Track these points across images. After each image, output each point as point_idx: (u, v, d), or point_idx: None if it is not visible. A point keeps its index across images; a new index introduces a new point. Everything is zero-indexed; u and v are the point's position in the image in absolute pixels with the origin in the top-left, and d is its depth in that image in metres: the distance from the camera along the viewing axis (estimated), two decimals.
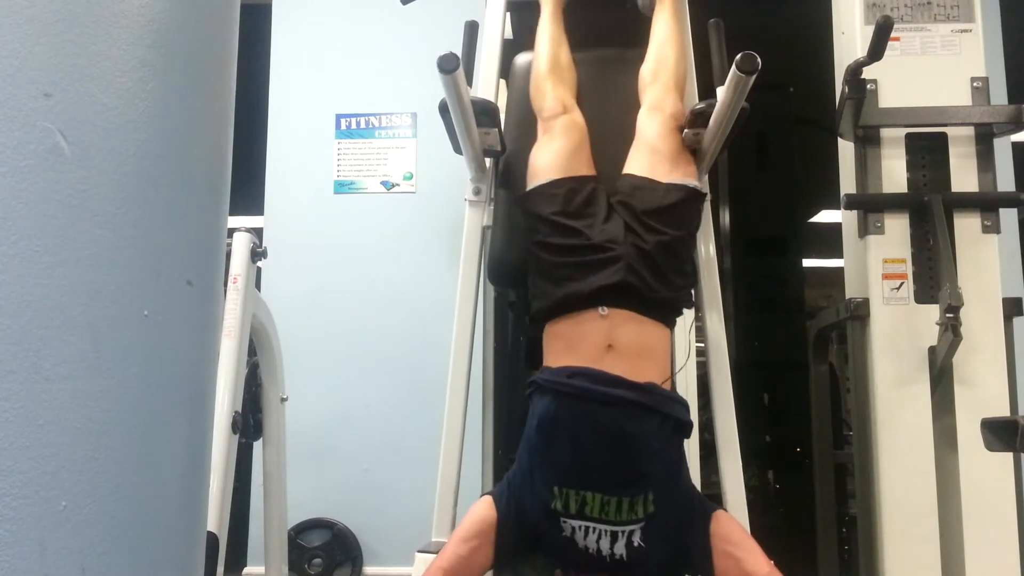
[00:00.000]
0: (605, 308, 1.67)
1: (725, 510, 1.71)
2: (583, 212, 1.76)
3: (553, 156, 1.86)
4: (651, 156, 1.85)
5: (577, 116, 1.94)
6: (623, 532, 1.56)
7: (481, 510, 1.64)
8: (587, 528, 1.56)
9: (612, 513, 1.56)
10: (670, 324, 1.77)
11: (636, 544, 1.56)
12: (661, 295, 1.70)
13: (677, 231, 1.75)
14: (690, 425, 1.70)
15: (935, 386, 2.15)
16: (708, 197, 1.95)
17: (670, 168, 1.82)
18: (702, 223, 2.06)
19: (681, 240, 1.77)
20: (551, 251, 1.76)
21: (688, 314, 2.87)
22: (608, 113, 1.99)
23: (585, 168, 1.86)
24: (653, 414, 1.60)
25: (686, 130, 1.90)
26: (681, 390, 3.08)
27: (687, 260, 1.80)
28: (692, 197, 1.81)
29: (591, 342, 1.66)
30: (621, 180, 1.83)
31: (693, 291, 1.93)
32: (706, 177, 2.06)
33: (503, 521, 1.61)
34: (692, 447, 3.01)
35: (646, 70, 1.99)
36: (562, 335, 1.71)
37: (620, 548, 1.55)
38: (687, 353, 2.23)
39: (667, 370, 1.71)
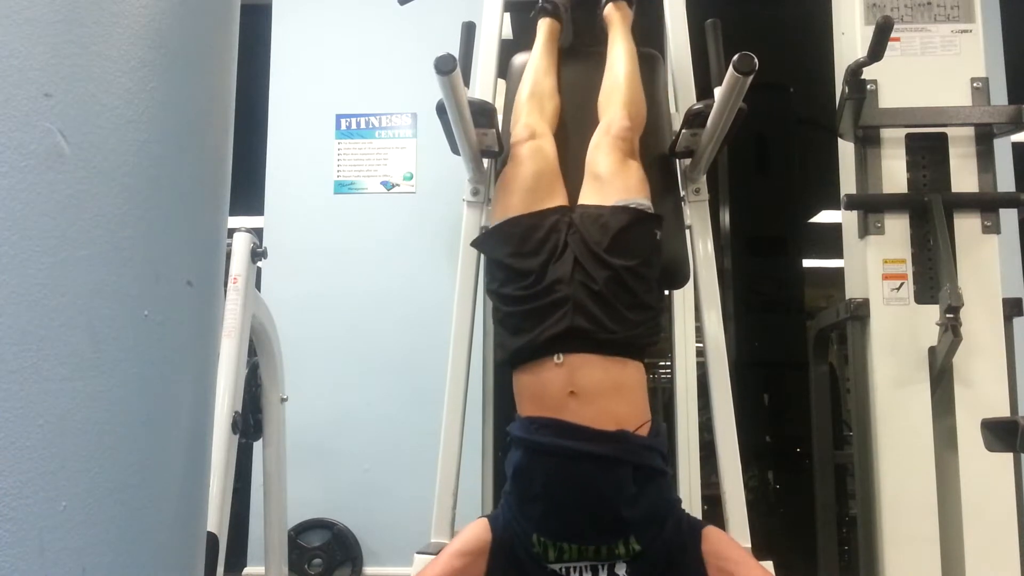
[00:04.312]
0: (560, 356, 1.59)
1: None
2: (539, 249, 1.68)
3: (516, 189, 1.79)
4: (595, 183, 1.80)
5: (545, 142, 1.87)
6: (603, 565, 1.54)
7: (477, 530, 1.62)
8: (568, 568, 1.55)
9: (591, 555, 1.54)
10: (638, 358, 1.67)
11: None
12: (616, 336, 1.61)
13: (628, 261, 1.65)
14: (665, 472, 1.63)
15: (935, 386, 2.15)
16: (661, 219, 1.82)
17: (613, 190, 1.75)
18: (704, 223, 2.06)
19: (633, 271, 1.66)
20: (504, 301, 1.70)
21: (688, 315, 2.85)
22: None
23: (548, 199, 1.78)
24: (623, 465, 1.54)
25: (684, 130, 1.90)
26: (681, 390, 3.09)
27: (645, 291, 1.69)
28: (639, 219, 1.72)
29: (552, 391, 1.59)
30: (575, 212, 1.76)
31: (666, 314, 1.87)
32: (704, 177, 2.07)
33: (498, 544, 1.59)
34: (692, 447, 3.01)
35: (602, 96, 1.96)
36: (525, 385, 1.65)
37: None
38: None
39: (642, 409, 1.63)
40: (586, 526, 1.54)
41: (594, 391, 1.58)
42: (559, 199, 1.80)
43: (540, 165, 1.82)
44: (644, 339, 1.68)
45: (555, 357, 1.60)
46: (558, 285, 1.63)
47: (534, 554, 1.57)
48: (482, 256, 2.03)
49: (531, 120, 1.91)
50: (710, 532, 1.59)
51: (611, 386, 1.60)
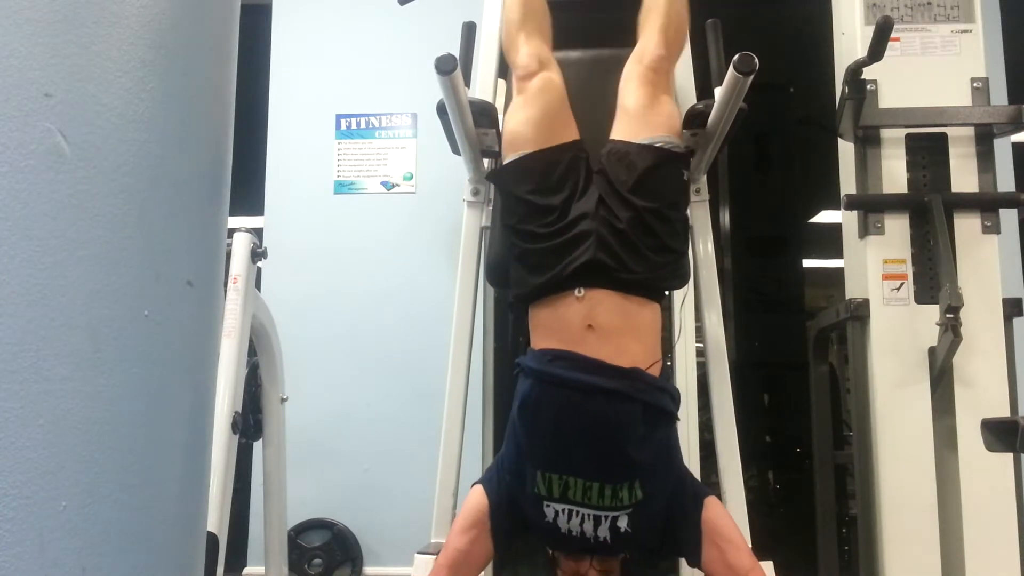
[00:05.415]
0: (581, 290, 1.58)
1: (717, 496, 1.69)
2: (561, 186, 1.65)
3: (529, 125, 1.73)
4: (624, 117, 1.75)
5: (553, 72, 1.79)
6: (606, 517, 1.54)
7: (473, 500, 1.63)
8: (570, 511, 1.55)
9: (595, 498, 1.53)
10: (657, 299, 1.65)
11: (622, 529, 1.54)
12: (637, 275, 1.59)
13: (652, 203, 1.62)
14: (674, 415, 1.64)
15: (935, 386, 2.14)
16: (690, 158, 1.80)
17: (642, 126, 1.70)
18: (704, 223, 2.05)
19: (657, 213, 1.62)
20: (525, 238, 1.68)
21: (689, 313, 2.84)
22: (605, 116, 1.97)
23: (563, 134, 1.73)
24: (634, 402, 1.54)
25: (684, 130, 1.90)
26: (682, 390, 3.08)
27: (669, 234, 1.65)
28: (666, 160, 1.66)
29: (571, 324, 1.58)
30: (605, 147, 1.72)
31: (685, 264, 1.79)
32: (704, 177, 2.07)
33: (495, 505, 1.60)
34: (692, 447, 3.01)
35: (642, 12, 1.86)
36: (542, 318, 1.65)
37: (604, 531, 1.54)
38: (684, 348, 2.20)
39: (655, 349, 1.62)
40: (593, 461, 1.54)
41: (612, 328, 1.58)
42: (572, 132, 1.75)
43: (551, 97, 1.76)
44: (665, 281, 1.68)
45: (576, 291, 1.59)
46: (582, 220, 1.61)
47: (537, 498, 1.56)
48: (488, 233, 2.03)
49: (533, 46, 1.81)
50: (712, 503, 1.60)
51: (628, 325, 1.60)
